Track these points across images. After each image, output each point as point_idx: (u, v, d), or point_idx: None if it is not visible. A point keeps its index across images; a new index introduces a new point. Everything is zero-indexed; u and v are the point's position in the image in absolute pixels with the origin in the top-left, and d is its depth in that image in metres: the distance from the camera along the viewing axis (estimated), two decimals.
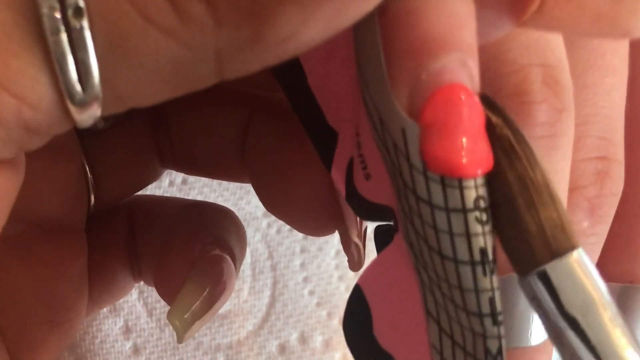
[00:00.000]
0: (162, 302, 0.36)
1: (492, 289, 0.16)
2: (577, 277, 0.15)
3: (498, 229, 0.15)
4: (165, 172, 0.32)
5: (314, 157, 0.23)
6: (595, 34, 0.16)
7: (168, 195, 0.37)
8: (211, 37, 0.14)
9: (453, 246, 0.15)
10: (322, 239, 0.38)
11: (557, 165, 0.18)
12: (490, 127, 0.15)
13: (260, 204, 0.38)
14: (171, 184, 0.37)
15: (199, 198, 0.37)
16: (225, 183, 0.38)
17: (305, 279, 0.37)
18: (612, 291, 0.23)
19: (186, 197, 0.36)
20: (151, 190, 0.31)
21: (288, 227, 0.38)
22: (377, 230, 0.22)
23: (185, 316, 0.25)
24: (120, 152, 0.28)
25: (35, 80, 0.14)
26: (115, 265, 0.28)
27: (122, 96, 0.15)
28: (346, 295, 0.38)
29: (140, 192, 0.30)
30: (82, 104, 0.14)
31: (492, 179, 0.15)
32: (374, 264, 0.21)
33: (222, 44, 0.14)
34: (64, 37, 0.14)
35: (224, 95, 0.28)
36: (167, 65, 0.14)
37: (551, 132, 0.18)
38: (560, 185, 0.19)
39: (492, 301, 0.16)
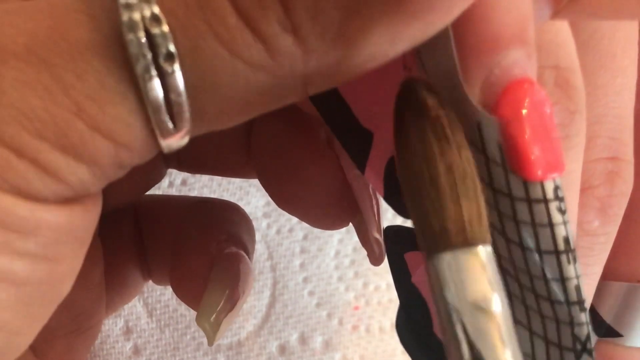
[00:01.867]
0: (163, 303, 0.36)
1: (577, 277, 0.16)
2: (476, 272, 0.14)
3: (413, 206, 0.15)
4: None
5: (323, 151, 0.23)
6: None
7: None
8: (300, 66, 0.14)
9: (536, 237, 0.16)
10: (322, 239, 0.38)
11: (570, 166, 0.19)
12: (425, 109, 0.15)
13: (259, 204, 0.38)
14: (170, 185, 0.37)
15: None
16: (224, 184, 0.38)
17: (305, 280, 0.38)
18: (618, 290, 0.23)
19: None
20: (150, 191, 0.31)
21: (288, 227, 0.38)
22: (387, 230, 0.23)
23: (212, 319, 0.25)
24: None
25: (129, 124, 0.14)
26: (126, 267, 0.28)
27: (209, 123, 0.15)
28: (346, 296, 0.38)
29: None
30: (172, 137, 0.15)
31: (419, 158, 0.15)
32: None
33: (309, 70, 0.14)
34: (156, 82, 0.14)
35: None
36: (256, 94, 0.15)
37: (564, 133, 0.18)
38: (572, 186, 0.19)
39: (578, 289, 0.16)
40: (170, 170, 0.33)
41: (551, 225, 0.15)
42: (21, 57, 0.14)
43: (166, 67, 0.14)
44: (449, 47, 0.15)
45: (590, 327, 0.16)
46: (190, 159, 0.29)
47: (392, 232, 0.23)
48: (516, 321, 0.18)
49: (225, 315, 0.26)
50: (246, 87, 0.14)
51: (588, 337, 0.16)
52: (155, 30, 0.14)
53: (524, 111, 0.15)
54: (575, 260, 0.16)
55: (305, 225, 0.38)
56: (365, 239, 0.26)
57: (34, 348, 0.25)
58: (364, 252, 0.39)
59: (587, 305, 0.21)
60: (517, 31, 0.15)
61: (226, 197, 0.38)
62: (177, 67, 0.14)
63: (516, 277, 0.17)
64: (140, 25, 0.14)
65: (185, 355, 0.36)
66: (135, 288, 0.30)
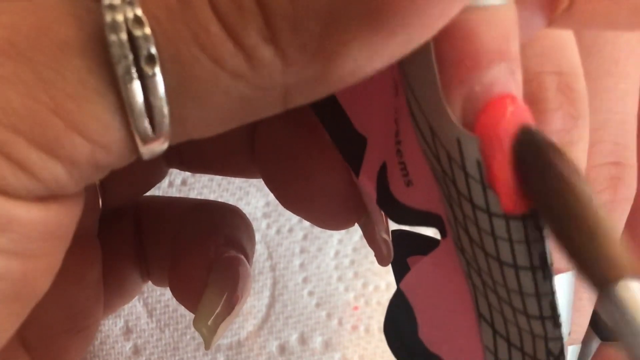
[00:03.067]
0: (162, 303, 0.36)
1: (552, 292, 0.16)
2: None
3: (571, 243, 0.15)
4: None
5: (328, 151, 0.23)
6: (634, 27, 0.17)
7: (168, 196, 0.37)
8: (279, 77, 0.14)
9: (512, 252, 0.16)
10: (322, 240, 0.38)
11: None
12: (559, 151, 0.15)
13: (259, 204, 0.38)
14: (170, 185, 0.37)
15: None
16: (224, 184, 0.38)
17: (305, 280, 0.38)
18: None
19: None
20: (150, 192, 0.31)
21: (287, 227, 0.38)
22: (398, 233, 0.23)
23: (209, 322, 0.25)
24: None
25: (107, 125, 0.14)
26: (125, 268, 0.28)
27: (189, 131, 0.15)
28: (346, 296, 0.38)
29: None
30: (151, 142, 0.15)
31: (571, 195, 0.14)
32: (418, 268, 0.21)
33: (289, 82, 0.14)
34: (136, 84, 0.14)
35: None
36: (235, 104, 0.15)
37: (567, 139, 0.18)
38: None
39: (552, 304, 0.16)
40: (170, 170, 0.33)
41: (527, 241, 0.15)
42: (1, 51, 0.14)
43: (147, 69, 0.14)
44: (431, 61, 0.15)
45: (564, 341, 0.16)
46: (193, 159, 0.29)
47: (395, 236, 0.23)
48: (495, 332, 0.18)
49: (223, 319, 0.26)
50: (226, 96, 0.14)
51: (562, 352, 0.16)
52: (137, 32, 0.14)
53: (502, 128, 0.15)
54: (551, 276, 0.16)
55: (305, 225, 0.38)
56: (372, 240, 0.26)
57: (28, 346, 0.25)
58: (364, 253, 0.39)
59: (590, 309, 0.21)
60: (499, 47, 0.15)
61: (226, 197, 0.38)
62: (157, 70, 0.14)
63: (494, 290, 0.17)
64: (123, 27, 0.14)
65: (185, 355, 0.36)
66: (134, 289, 0.30)
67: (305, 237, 0.38)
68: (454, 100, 0.15)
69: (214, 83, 0.14)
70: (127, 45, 0.14)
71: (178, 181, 0.37)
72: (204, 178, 0.38)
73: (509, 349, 0.18)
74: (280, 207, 0.37)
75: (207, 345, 0.26)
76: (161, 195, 0.35)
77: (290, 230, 0.38)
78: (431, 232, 0.21)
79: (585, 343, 0.22)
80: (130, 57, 0.14)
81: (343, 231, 0.38)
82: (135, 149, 0.15)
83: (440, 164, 0.16)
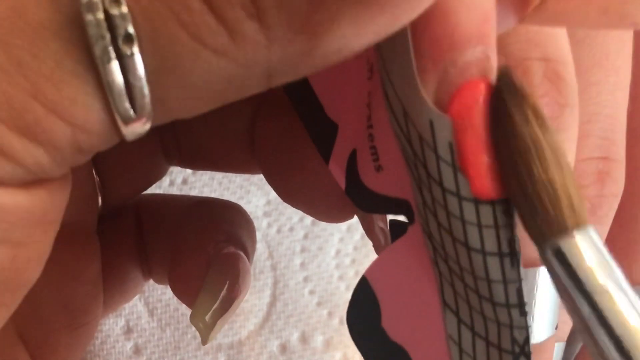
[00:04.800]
0: (163, 302, 0.36)
1: (519, 280, 0.16)
2: (596, 253, 0.15)
3: (523, 192, 0.15)
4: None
5: None
6: (602, 26, 0.17)
7: None
8: (264, 54, 0.14)
9: (481, 238, 0.15)
10: (322, 238, 0.38)
11: None
12: (526, 96, 0.15)
13: (260, 203, 0.38)
14: (171, 184, 0.37)
15: None
16: (225, 183, 0.38)
17: (306, 279, 0.37)
18: None
19: None
20: (151, 190, 0.31)
21: (288, 226, 0.38)
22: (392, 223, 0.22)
23: (207, 317, 0.25)
24: (124, 151, 0.28)
25: (87, 107, 0.14)
26: (126, 265, 0.28)
27: (171, 111, 0.15)
28: (347, 295, 0.38)
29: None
30: (133, 123, 0.14)
31: (526, 142, 0.15)
32: (384, 255, 0.21)
33: (273, 59, 0.14)
34: (115, 64, 0.14)
35: None
36: (218, 82, 0.14)
37: (553, 127, 0.18)
38: None
39: (519, 292, 0.16)
40: (171, 169, 0.33)
41: (496, 226, 0.15)
42: None
43: (125, 49, 0.14)
44: (407, 42, 0.15)
45: (530, 330, 0.16)
46: (193, 155, 0.29)
47: (390, 226, 0.23)
48: (460, 321, 0.18)
49: (221, 315, 0.26)
50: (208, 74, 0.14)
51: (527, 341, 0.16)
52: (114, 11, 0.13)
53: (476, 112, 0.15)
54: (519, 263, 0.16)
55: (305, 224, 0.38)
56: (370, 230, 0.26)
57: (26, 342, 0.25)
58: (365, 251, 0.39)
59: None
60: (475, 30, 0.14)
61: (227, 195, 0.38)
62: (136, 49, 0.14)
63: (461, 277, 0.17)
64: (100, 6, 0.13)
65: (186, 355, 0.36)
66: (135, 286, 0.30)
67: (306, 236, 0.38)
68: (428, 82, 0.15)
69: (196, 61, 0.14)
70: (104, 25, 0.13)
71: (179, 180, 0.37)
72: (205, 177, 0.38)
73: (473, 338, 0.18)
74: (281, 206, 0.38)
75: (204, 341, 0.26)
76: (162, 193, 0.35)
77: (291, 229, 0.38)
78: (401, 219, 0.21)
79: (570, 341, 0.22)
80: (108, 36, 0.13)
81: (344, 230, 0.38)
82: (117, 130, 0.15)
83: (411, 146, 0.16)
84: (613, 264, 0.15)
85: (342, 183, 0.21)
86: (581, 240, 0.15)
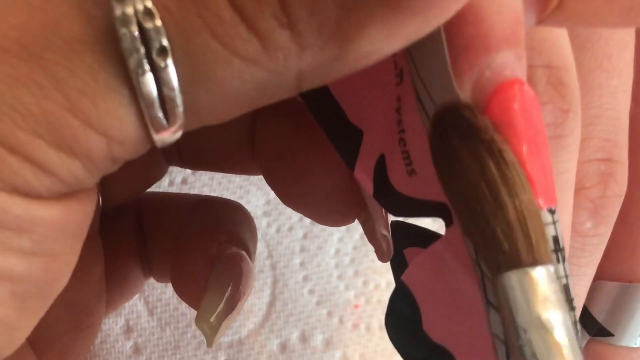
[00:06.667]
0: (163, 302, 0.36)
1: (566, 276, 0.16)
2: (543, 291, 0.15)
3: (474, 225, 0.15)
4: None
5: (327, 148, 0.23)
6: (624, 24, 0.17)
7: None
8: (294, 61, 0.14)
9: None
10: (322, 238, 0.38)
11: (563, 166, 0.19)
12: (478, 132, 0.15)
13: (260, 203, 0.38)
14: (171, 184, 0.37)
15: None
16: (224, 183, 0.38)
17: (305, 278, 0.38)
18: (610, 290, 0.23)
19: None
20: (151, 190, 0.31)
21: (288, 226, 0.38)
22: (395, 224, 0.23)
23: (212, 319, 0.26)
24: None
25: (121, 119, 0.14)
26: (127, 265, 0.29)
27: (202, 118, 0.15)
28: (346, 294, 0.38)
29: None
30: (164, 132, 0.15)
31: (477, 181, 0.15)
32: (421, 259, 0.21)
33: (304, 65, 0.14)
34: (149, 77, 0.14)
35: None
36: (249, 89, 0.14)
37: (557, 133, 0.18)
38: (566, 185, 0.19)
39: (566, 288, 0.16)
40: (170, 169, 0.33)
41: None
42: (13, 53, 0.14)
43: (159, 61, 0.14)
44: (441, 47, 0.15)
45: (579, 326, 0.16)
46: (193, 156, 0.29)
47: (392, 227, 0.23)
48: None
49: (225, 316, 0.26)
50: (240, 82, 0.14)
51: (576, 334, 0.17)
52: (148, 25, 0.14)
53: (514, 112, 0.15)
54: (564, 259, 0.16)
55: (305, 223, 0.38)
56: (372, 236, 0.26)
57: (34, 345, 0.25)
58: (364, 251, 0.39)
59: (579, 305, 0.21)
60: (508, 33, 0.15)
61: (226, 195, 0.38)
62: (170, 61, 0.14)
63: None
64: (133, 20, 0.14)
65: (186, 354, 0.36)
66: (136, 285, 0.30)
67: (305, 235, 0.38)
68: (465, 85, 0.15)
69: (228, 70, 0.14)
70: (138, 38, 0.14)
71: (178, 180, 0.37)
72: (205, 177, 0.38)
73: None
74: (281, 206, 0.38)
75: (209, 343, 0.26)
76: (163, 192, 0.35)
77: (291, 228, 0.38)
78: (427, 222, 0.21)
79: None
80: (142, 50, 0.14)
81: (343, 230, 0.38)
82: (149, 139, 0.15)
83: None
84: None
85: (370, 188, 0.21)
86: (536, 275, 0.15)
